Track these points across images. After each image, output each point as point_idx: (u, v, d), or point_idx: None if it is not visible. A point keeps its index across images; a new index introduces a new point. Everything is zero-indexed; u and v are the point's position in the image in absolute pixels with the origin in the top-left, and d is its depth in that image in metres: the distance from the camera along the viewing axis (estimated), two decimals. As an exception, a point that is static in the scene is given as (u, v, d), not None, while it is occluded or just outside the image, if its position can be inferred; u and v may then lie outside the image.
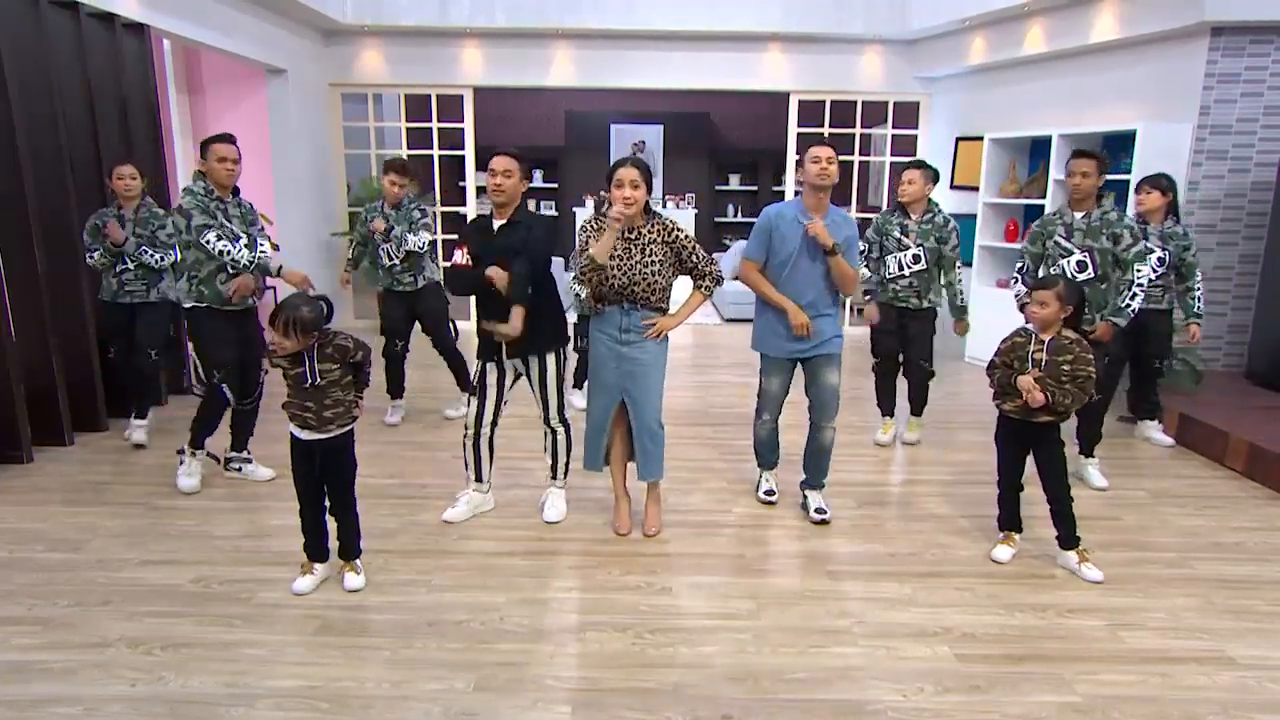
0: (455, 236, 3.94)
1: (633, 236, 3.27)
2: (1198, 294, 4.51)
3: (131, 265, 4.44)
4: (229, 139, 3.72)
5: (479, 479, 3.63)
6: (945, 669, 2.57)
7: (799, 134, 8.10)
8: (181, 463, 3.94)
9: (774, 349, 3.59)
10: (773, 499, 3.84)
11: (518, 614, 2.86)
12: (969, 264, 6.98)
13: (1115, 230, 3.82)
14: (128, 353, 4.61)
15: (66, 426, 4.47)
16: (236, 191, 3.86)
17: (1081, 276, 3.82)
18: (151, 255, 4.43)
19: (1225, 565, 3.30)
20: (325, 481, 2.95)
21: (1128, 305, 3.82)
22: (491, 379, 3.47)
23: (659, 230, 3.30)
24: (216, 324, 3.78)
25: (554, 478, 3.69)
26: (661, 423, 3.47)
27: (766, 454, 3.86)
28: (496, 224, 3.38)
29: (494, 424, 3.56)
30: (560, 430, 3.60)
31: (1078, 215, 3.89)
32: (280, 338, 2.75)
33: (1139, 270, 3.80)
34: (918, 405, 4.77)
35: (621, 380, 3.37)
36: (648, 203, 3.31)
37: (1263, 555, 3.39)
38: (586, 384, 3.59)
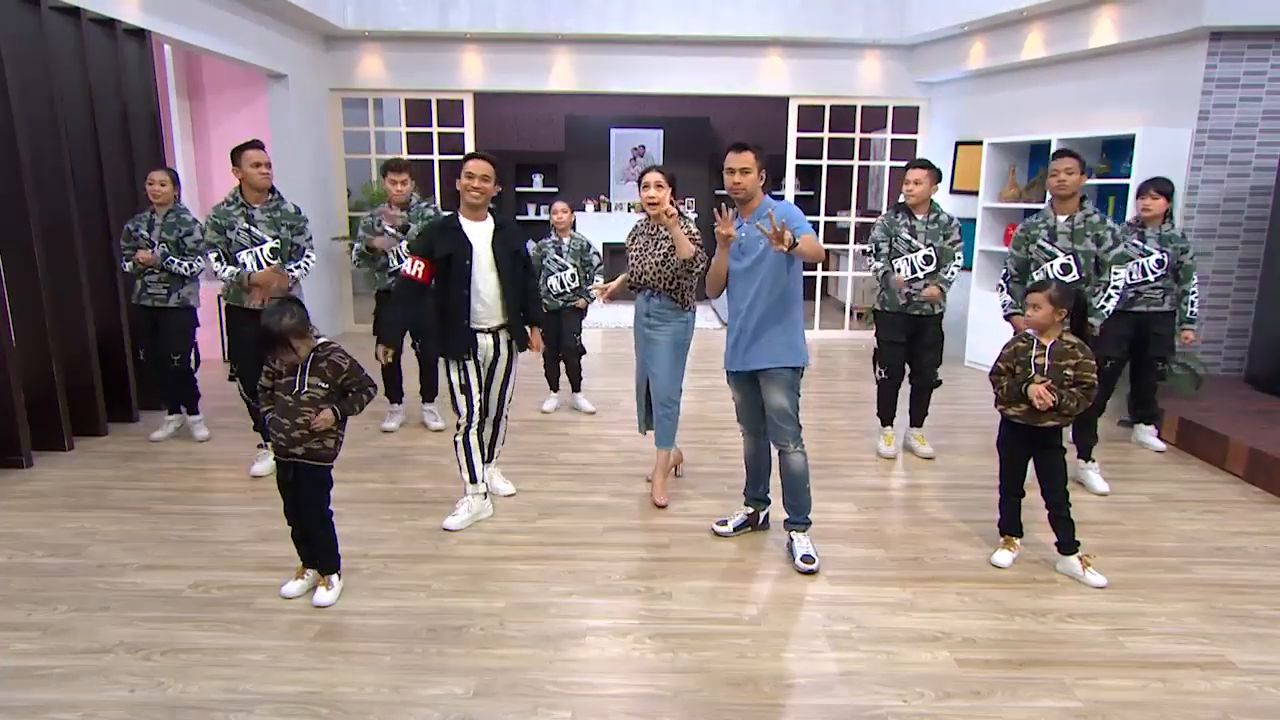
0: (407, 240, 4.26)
1: (653, 233, 3.78)
2: (1192, 297, 4.49)
3: (156, 271, 4.52)
4: (258, 144, 4.00)
5: (474, 480, 3.62)
6: (945, 674, 2.56)
7: (799, 138, 8.11)
8: (261, 455, 4.21)
9: (725, 360, 3.41)
10: (723, 529, 3.55)
11: (517, 619, 2.85)
12: (969, 268, 6.99)
13: (1099, 232, 3.86)
14: (151, 355, 4.67)
15: (66, 431, 4.47)
16: (274, 192, 4.09)
17: (1066, 280, 3.84)
18: (179, 264, 4.48)
19: (1226, 570, 3.30)
20: (297, 501, 2.90)
21: (1102, 307, 3.90)
22: (472, 376, 3.57)
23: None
24: (242, 324, 4.00)
25: (490, 459, 3.87)
26: (674, 399, 3.85)
27: (749, 480, 3.56)
28: (484, 226, 3.54)
29: (483, 420, 3.71)
30: (504, 420, 3.85)
31: (1061, 219, 3.94)
32: (288, 356, 2.74)
33: (1116, 273, 3.88)
34: (920, 416, 4.65)
35: (645, 357, 3.88)
36: (675, 205, 3.70)
37: (1263, 560, 3.39)
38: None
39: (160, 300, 4.53)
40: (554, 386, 5.54)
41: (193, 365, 4.67)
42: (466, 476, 3.63)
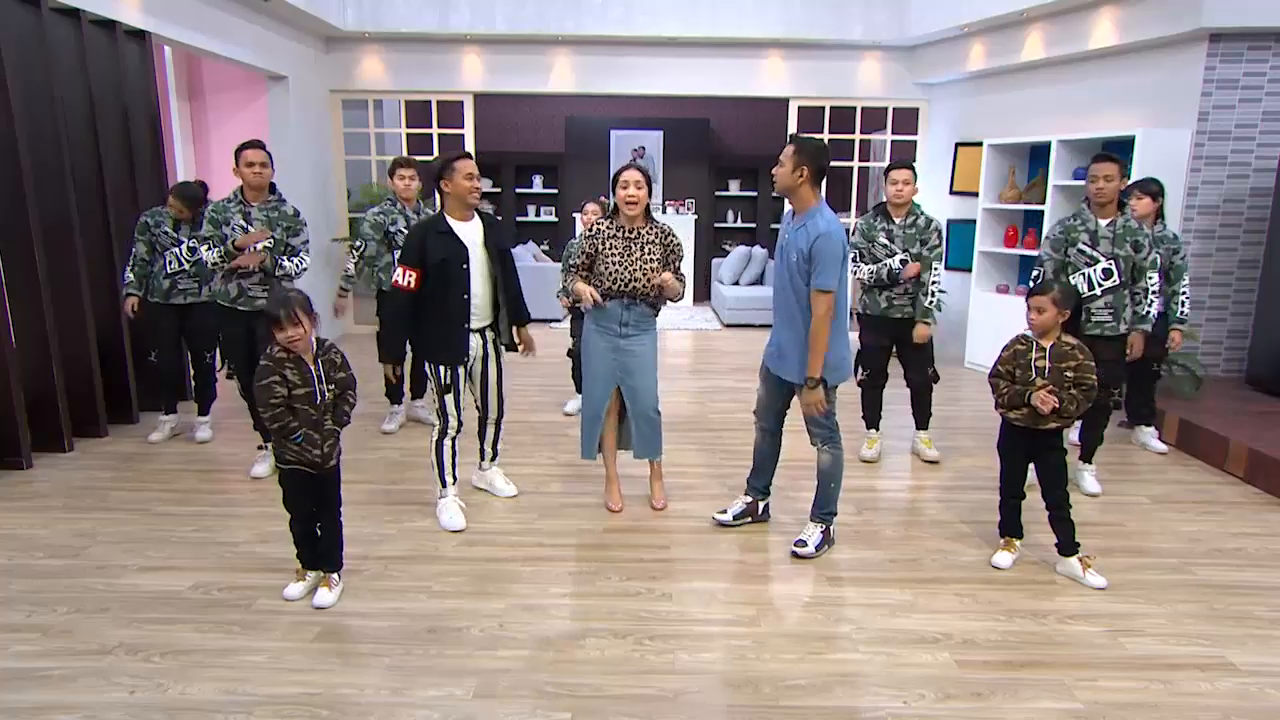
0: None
1: (633, 236, 3.53)
2: (1183, 298, 4.48)
3: (186, 266, 4.55)
4: (257, 144, 4.06)
5: (452, 482, 3.66)
6: (946, 675, 2.56)
7: (798, 140, 8.10)
8: (262, 457, 4.21)
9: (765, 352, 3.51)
10: (723, 516, 3.63)
11: (518, 620, 2.85)
12: (969, 270, 7.00)
13: (1137, 238, 3.81)
14: (172, 354, 4.70)
15: (66, 432, 4.47)
16: (274, 190, 4.14)
17: (1107, 284, 3.80)
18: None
19: (1226, 571, 3.30)
20: (315, 501, 2.91)
21: (1148, 313, 3.88)
22: (461, 378, 3.60)
23: (657, 233, 3.56)
24: (232, 324, 4.09)
25: (494, 458, 3.98)
26: (658, 409, 3.70)
27: (753, 469, 3.64)
28: (473, 226, 3.52)
29: (483, 421, 3.85)
30: (501, 419, 3.90)
31: (1103, 222, 3.84)
32: (293, 330, 2.70)
33: (1151, 277, 3.85)
34: (924, 418, 4.59)
35: (617, 370, 3.62)
36: (649, 206, 3.56)
37: (1263, 561, 3.39)
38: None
39: (194, 296, 4.62)
40: (579, 388, 5.44)
41: (217, 363, 4.74)
42: (450, 478, 3.65)
